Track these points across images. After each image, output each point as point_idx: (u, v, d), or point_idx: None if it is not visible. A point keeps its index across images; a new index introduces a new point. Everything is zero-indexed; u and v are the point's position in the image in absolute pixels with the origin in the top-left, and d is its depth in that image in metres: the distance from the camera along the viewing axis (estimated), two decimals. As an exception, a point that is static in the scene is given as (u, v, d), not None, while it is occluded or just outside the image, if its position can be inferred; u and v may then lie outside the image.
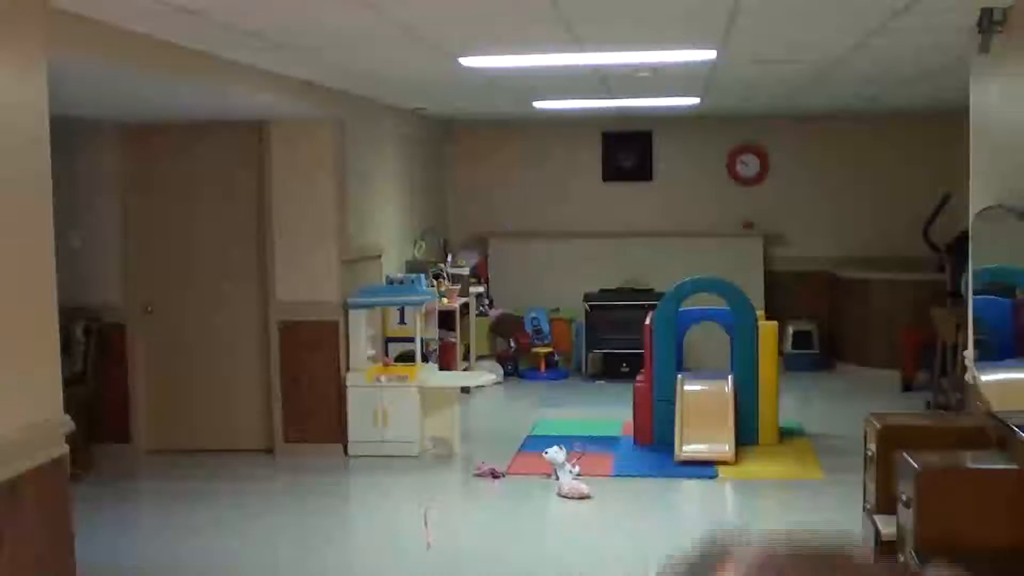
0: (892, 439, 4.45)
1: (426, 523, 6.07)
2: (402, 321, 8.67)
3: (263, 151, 7.91)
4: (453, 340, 9.86)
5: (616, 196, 11.39)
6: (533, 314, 11.00)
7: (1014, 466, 3.88)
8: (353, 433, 7.87)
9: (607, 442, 8.07)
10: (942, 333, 8.34)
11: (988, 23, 4.58)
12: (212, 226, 8.05)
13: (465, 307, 10.21)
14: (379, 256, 8.85)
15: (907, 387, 9.59)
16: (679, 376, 7.86)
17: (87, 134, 7.68)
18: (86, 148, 7.77)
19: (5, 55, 3.73)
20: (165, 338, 8.09)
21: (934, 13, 4.80)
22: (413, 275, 8.98)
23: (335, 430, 7.92)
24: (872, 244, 10.99)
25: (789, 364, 10.38)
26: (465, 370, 10.00)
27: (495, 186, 11.49)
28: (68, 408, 4.06)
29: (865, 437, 4.84)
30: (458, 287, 9.95)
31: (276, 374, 7.99)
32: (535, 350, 10.97)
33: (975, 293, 5.05)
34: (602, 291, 10.95)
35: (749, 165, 11.29)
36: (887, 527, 4.25)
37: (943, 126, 9.79)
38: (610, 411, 9.00)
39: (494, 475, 7.27)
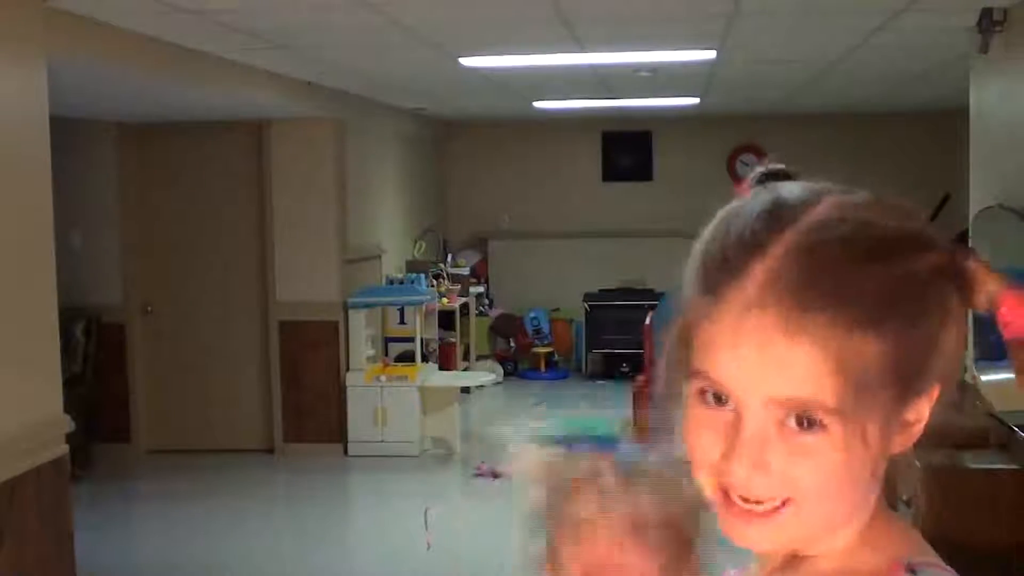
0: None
1: (426, 524, 6.07)
2: (402, 321, 8.67)
3: (263, 151, 7.91)
4: (453, 340, 9.86)
5: (616, 196, 11.39)
6: (533, 314, 11.00)
7: (1014, 466, 3.88)
8: (353, 433, 7.87)
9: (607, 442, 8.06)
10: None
11: (988, 23, 4.58)
12: (212, 226, 8.06)
13: (465, 307, 10.20)
14: (379, 256, 8.85)
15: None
16: (679, 376, 7.84)
17: (87, 134, 7.67)
18: (86, 148, 7.77)
19: (5, 55, 3.73)
20: (165, 338, 8.09)
21: (934, 13, 4.80)
22: (413, 275, 8.98)
23: (335, 430, 7.92)
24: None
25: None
26: (465, 370, 9.99)
27: (495, 186, 11.49)
28: (68, 408, 4.06)
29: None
30: (458, 287, 9.95)
31: (276, 374, 7.99)
32: (535, 350, 10.97)
33: (975, 293, 5.03)
34: (602, 291, 10.94)
35: (749, 165, 11.26)
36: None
37: (943, 126, 9.79)
38: (610, 411, 9.00)
39: (494, 475, 7.27)
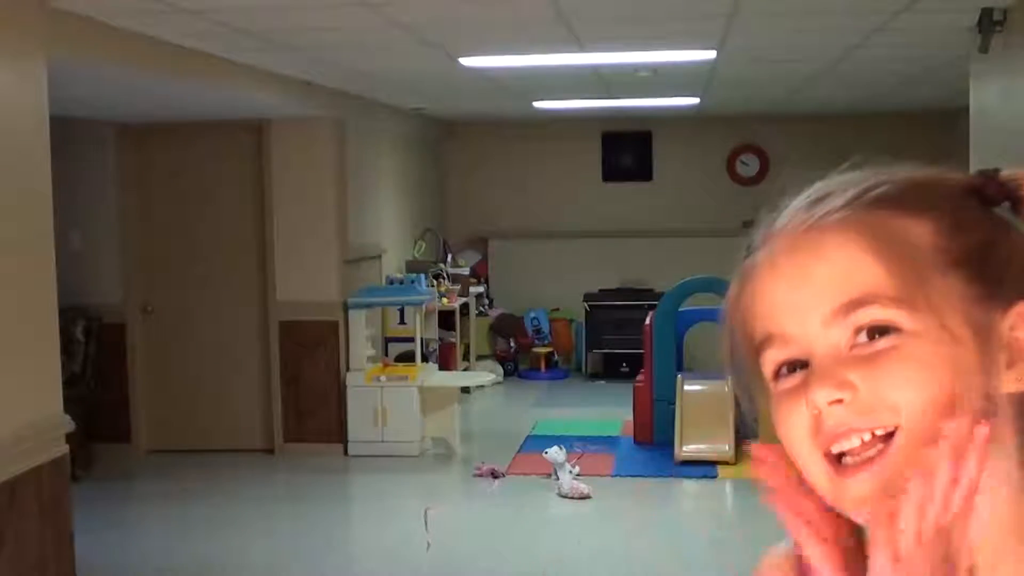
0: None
1: (426, 524, 6.07)
2: (402, 321, 8.67)
3: (263, 151, 7.91)
4: (453, 340, 9.86)
5: (616, 196, 11.39)
6: (533, 314, 11.00)
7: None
8: (353, 433, 7.87)
9: (607, 442, 8.07)
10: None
11: (988, 23, 4.58)
12: (212, 226, 8.06)
13: (465, 307, 10.21)
14: (379, 256, 8.85)
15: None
16: (679, 376, 7.85)
17: (87, 134, 7.68)
18: (86, 148, 7.77)
19: (5, 55, 3.74)
20: (165, 338, 8.09)
21: (934, 13, 4.80)
22: (413, 275, 8.98)
23: (335, 430, 7.92)
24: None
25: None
26: (465, 370, 10.00)
27: (495, 186, 11.49)
28: (68, 408, 4.06)
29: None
30: (458, 287, 9.95)
31: (276, 374, 7.99)
32: (535, 350, 10.97)
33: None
34: (602, 291, 10.94)
35: (749, 165, 11.29)
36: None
37: (943, 126, 9.79)
38: (610, 411, 9.00)
39: (494, 475, 7.27)
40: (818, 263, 0.78)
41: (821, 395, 0.77)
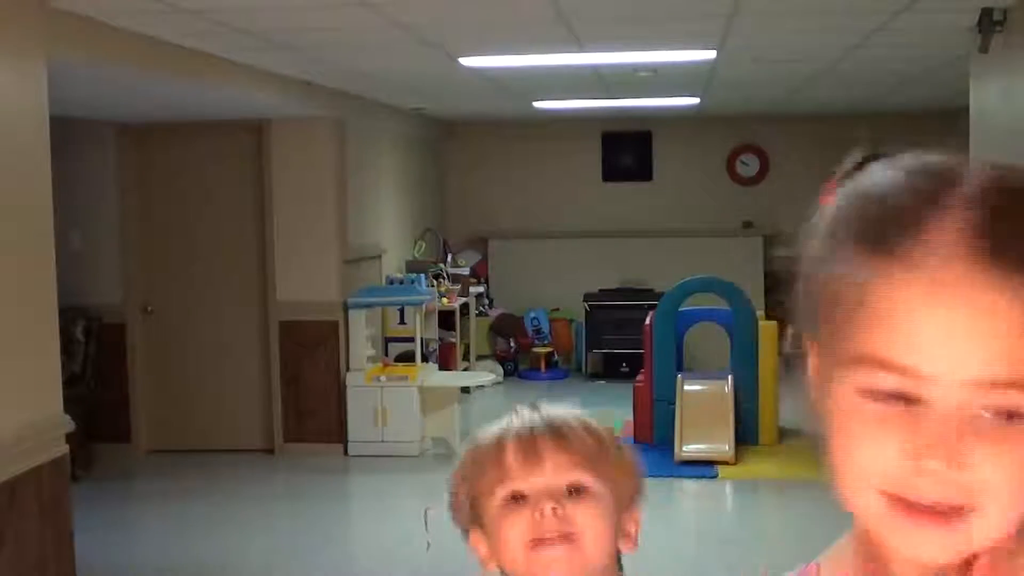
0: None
1: (426, 524, 6.06)
2: (402, 321, 8.67)
3: (263, 151, 7.91)
4: (453, 340, 9.86)
5: (616, 196, 11.38)
6: (533, 314, 11.00)
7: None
8: (353, 433, 7.87)
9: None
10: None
11: (988, 23, 4.58)
12: (212, 226, 8.05)
13: (465, 307, 10.20)
14: (379, 256, 8.85)
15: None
16: (679, 376, 7.85)
17: (87, 134, 7.67)
18: (86, 148, 7.77)
19: (5, 55, 3.74)
20: (165, 338, 8.09)
21: (934, 13, 4.80)
22: (413, 275, 8.98)
23: (335, 430, 7.92)
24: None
25: (789, 364, 10.36)
26: (465, 370, 9.99)
27: (495, 186, 11.49)
28: (68, 408, 4.06)
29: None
30: (458, 287, 9.95)
31: (276, 374, 7.99)
32: (535, 350, 10.97)
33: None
34: (602, 291, 10.94)
35: (749, 165, 11.28)
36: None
37: (943, 126, 9.79)
38: (610, 411, 8.99)
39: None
40: (985, 332, 0.69)
41: (933, 468, 0.70)
